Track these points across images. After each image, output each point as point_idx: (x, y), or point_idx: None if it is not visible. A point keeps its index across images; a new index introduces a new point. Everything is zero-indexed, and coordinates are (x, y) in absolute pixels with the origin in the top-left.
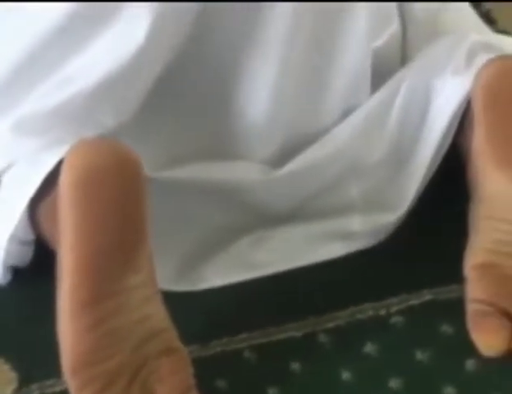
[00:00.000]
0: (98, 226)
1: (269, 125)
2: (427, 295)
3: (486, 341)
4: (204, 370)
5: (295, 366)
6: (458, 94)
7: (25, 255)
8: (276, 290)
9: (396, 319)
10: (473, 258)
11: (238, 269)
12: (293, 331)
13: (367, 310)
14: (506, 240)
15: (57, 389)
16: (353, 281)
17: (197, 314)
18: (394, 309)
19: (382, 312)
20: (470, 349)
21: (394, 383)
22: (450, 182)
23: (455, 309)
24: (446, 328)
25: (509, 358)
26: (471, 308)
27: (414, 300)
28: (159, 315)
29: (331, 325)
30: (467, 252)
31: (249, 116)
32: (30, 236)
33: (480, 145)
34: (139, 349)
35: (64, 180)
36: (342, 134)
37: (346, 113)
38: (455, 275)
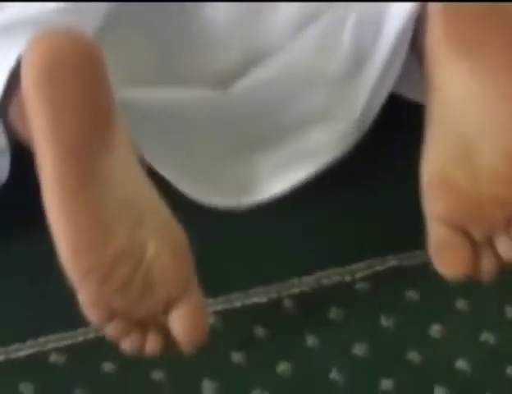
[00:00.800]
0: (67, 115)
1: (229, 34)
2: (391, 261)
3: (450, 270)
4: None
5: (260, 332)
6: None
7: (1, 168)
8: (239, 256)
9: (361, 285)
10: (429, 171)
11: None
12: (257, 296)
13: (332, 276)
14: (459, 149)
15: (22, 354)
16: (318, 247)
17: None
18: (359, 274)
19: (347, 278)
20: (435, 315)
21: (358, 349)
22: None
23: (420, 275)
24: (411, 294)
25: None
26: (434, 232)
27: (379, 266)
28: (147, 195)
29: (296, 291)
30: (422, 163)
31: (209, 27)
32: (4, 143)
33: (435, 37)
34: (134, 233)
35: (27, 72)
36: (296, 47)
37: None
38: (420, 240)
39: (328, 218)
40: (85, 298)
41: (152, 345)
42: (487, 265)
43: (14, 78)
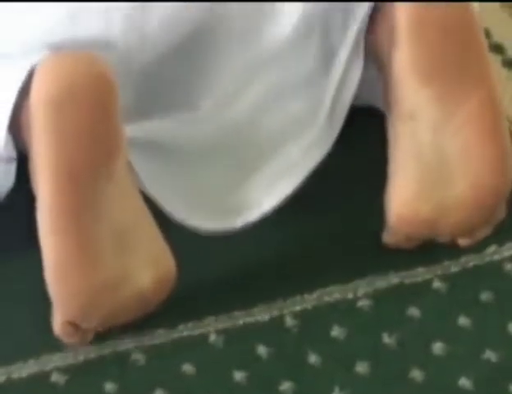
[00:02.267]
0: (72, 141)
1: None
2: (393, 278)
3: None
4: (171, 354)
5: (262, 350)
6: None
7: (7, 175)
8: (241, 273)
9: (363, 302)
10: (395, 202)
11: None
12: (260, 314)
13: (334, 293)
14: (425, 179)
15: (23, 373)
16: (319, 264)
17: None
18: (361, 291)
19: (349, 295)
20: (437, 332)
21: (361, 367)
22: None
23: (422, 292)
24: (413, 312)
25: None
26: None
27: (381, 283)
28: (142, 224)
29: (297, 308)
30: (389, 192)
31: None
32: (12, 152)
33: (402, 62)
34: (123, 262)
35: (35, 98)
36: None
37: None
38: (421, 258)
39: (329, 236)
40: (60, 320)
41: None
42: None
43: (26, 86)
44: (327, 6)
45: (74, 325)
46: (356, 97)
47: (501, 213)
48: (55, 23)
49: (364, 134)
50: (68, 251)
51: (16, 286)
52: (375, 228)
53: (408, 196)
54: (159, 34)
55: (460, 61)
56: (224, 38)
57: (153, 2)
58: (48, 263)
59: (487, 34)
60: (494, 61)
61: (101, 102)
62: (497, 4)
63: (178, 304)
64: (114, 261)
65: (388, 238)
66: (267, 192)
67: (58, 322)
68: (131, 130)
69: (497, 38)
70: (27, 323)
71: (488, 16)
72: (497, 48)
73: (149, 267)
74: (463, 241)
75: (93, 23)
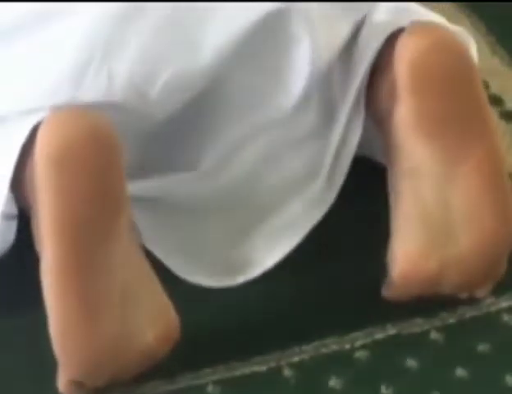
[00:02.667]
0: (75, 201)
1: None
2: (390, 329)
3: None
4: None
5: None
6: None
7: (8, 232)
8: (239, 324)
9: (361, 354)
10: (398, 260)
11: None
12: (257, 365)
13: (331, 344)
14: (428, 237)
15: None
16: (317, 315)
17: None
18: (358, 343)
19: (347, 346)
20: (435, 383)
21: None
22: None
23: (420, 343)
24: (411, 363)
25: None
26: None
27: (378, 335)
28: (145, 280)
29: (295, 359)
30: (391, 248)
31: None
32: (14, 209)
33: (404, 118)
34: (126, 319)
35: (38, 156)
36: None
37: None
38: (418, 308)
39: (328, 287)
40: (65, 379)
41: None
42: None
43: (29, 144)
44: (330, 64)
45: (79, 383)
46: (357, 149)
47: (503, 268)
48: (58, 85)
49: (365, 185)
50: (72, 310)
51: (15, 334)
52: (373, 280)
53: (412, 253)
54: (162, 100)
55: (462, 115)
56: (227, 106)
57: (157, 71)
58: (53, 322)
59: (486, 85)
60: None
61: (103, 160)
62: (496, 55)
63: (176, 354)
64: (118, 319)
65: (388, 292)
66: (269, 249)
67: (63, 381)
68: (132, 187)
69: (496, 89)
70: (28, 379)
71: (487, 68)
72: (496, 100)
73: (153, 324)
74: (462, 294)
75: (96, 86)
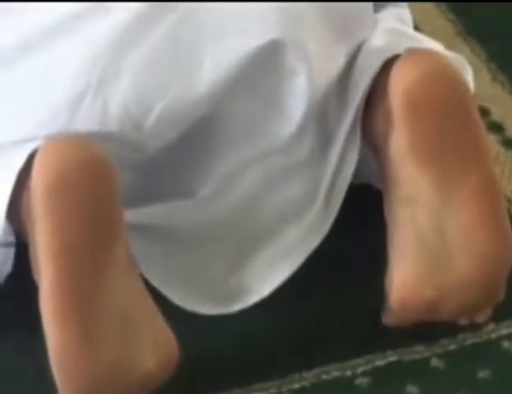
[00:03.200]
0: (72, 228)
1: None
2: (391, 356)
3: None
4: None
5: None
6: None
7: (6, 259)
8: (240, 351)
9: (362, 380)
10: (396, 286)
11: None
12: (258, 392)
13: (332, 371)
14: (427, 262)
15: None
16: (318, 342)
17: None
18: (359, 369)
19: (348, 373)
20: None
21: None
22: None
23: (420, 370)
24: (412, 389)
25: None
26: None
27: (379, 361)
28: (143, 307)
29: (296, 386)
30: (389, 275)
31: None
32: (11, 237)
33: (400, 147)
34: (125, 345)
35: (35, 185)
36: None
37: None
38: (418, 335)
39: (328, 313)
40: None
41: None
42: None
43: (25, 172)
44: (327, 93)
45: None
46: (354, 175)
47: (501, 294)
48: (55, 114)
49: (363, 211)
50: (71, 337)
51: (16, 351)
52: (373, 307)
53: (409, 281)
54: (156, 130)
55: (457, 143)
56: (223, 135)
57: (152, 102)
58: (52, 349)
59: (487, 112)
60: (492, 140)
61: (99, 188)
62: (497, 82)
63: (175, 381)
64: (117, 345)
65: (387, 319)
66: (266, 277)
67: None
68: (128, 215)
69: (496, 116)
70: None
71: (487, 94)
72: (496, 127)
73: (152, 350)
74: (462, 320)
75: (91, 116)
